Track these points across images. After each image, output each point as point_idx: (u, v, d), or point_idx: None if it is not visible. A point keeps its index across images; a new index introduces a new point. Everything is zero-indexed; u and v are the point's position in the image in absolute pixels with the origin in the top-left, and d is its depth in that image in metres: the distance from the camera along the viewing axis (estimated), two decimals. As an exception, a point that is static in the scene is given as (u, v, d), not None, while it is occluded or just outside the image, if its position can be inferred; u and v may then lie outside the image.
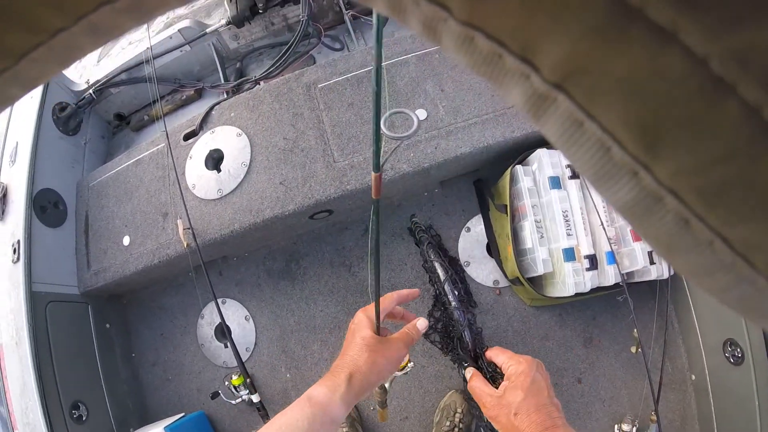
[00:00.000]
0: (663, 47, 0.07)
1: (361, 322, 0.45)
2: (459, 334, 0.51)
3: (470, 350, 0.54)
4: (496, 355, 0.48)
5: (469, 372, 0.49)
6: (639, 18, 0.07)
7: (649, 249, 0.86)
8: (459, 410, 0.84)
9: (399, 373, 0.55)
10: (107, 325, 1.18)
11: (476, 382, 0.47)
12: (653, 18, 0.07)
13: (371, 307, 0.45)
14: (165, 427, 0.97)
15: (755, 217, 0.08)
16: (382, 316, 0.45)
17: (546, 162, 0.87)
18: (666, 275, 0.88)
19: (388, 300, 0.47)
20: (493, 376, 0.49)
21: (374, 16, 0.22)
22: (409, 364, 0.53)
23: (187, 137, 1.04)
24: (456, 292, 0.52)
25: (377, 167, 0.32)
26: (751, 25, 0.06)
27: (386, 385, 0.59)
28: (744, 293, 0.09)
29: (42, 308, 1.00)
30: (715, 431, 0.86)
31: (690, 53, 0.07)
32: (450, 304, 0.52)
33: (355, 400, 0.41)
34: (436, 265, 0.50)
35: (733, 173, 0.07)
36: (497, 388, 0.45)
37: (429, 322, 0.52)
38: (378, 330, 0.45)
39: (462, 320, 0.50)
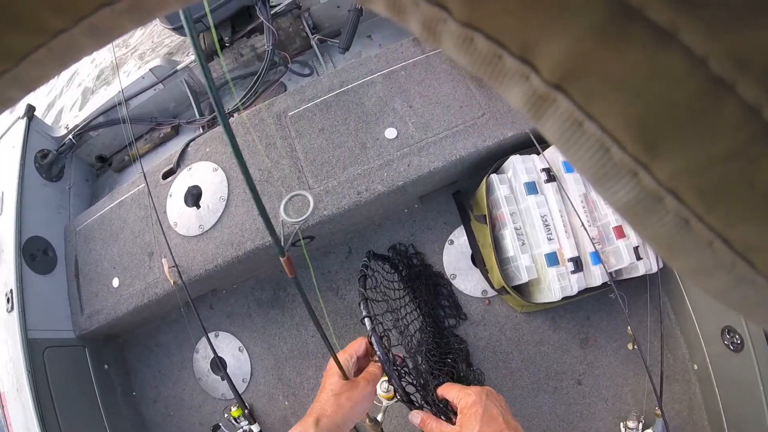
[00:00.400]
0: (662, 47, 0.07)
1: (330, 369, 0.48)
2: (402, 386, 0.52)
3: (417, 391, 0.54)
4: (446, 391, 0.48)
5: (417, 417, 0.48)
6: (639, 18, 0.07)
7: (635, 245, 0.86)
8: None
9: (389, 402, 0.55)
10: (106, 366, 1.18)
11: (430, 423, 0.46)
12: (653, 18, 0.06)
13: (342, 354, 0.48)
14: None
15: (755, 218, 0.07)
16: (352, 359, 0.48)
17: (520, 168, 0.87)
18: (655, 269, 0.87)
19: (356, 346, 0.50)
20: (446, 413, 0.48)
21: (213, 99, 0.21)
22: (396, 396, 0.53)
23: (165, 176, 1.05)
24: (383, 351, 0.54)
25: (282, 252, 0.34)
26: (751, 26, 0.06)
27: (378, 417, 0.59)
28: (744, 293, 0.09)
29: (39, 355, 1.01)
30: (723, 419, 0.85)
31: (689, 53, 0.07)
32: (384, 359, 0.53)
33: None
34: (366, 321, 0.52)
35: (733, 173, 0.07)
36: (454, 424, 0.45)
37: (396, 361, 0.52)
38: (345, 375, 0.47)
39: (387, 370, 0.50)
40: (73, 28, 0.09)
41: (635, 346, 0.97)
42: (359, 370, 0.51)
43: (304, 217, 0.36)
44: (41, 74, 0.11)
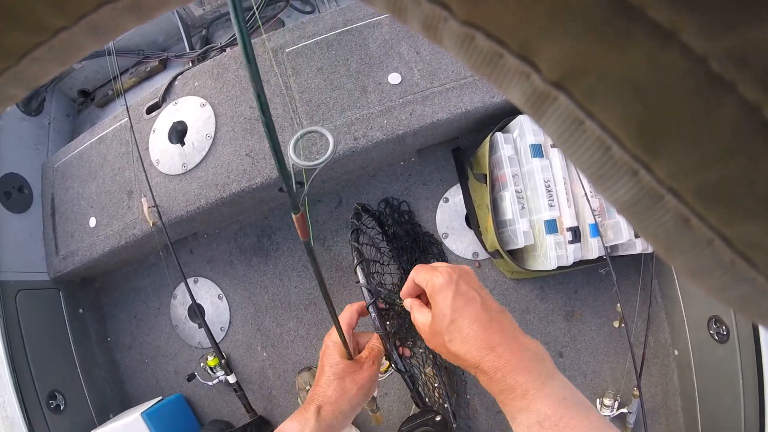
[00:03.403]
0: (663, 46, 0.07)
1: (328, 349, 0.42)
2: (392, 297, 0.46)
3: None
4: (416, 275, 0.37)
5: (407, 304, 0.40)
6: (639, 17, 0.07)
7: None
8: (436, 385, 0.82)
9: (383, 376, 0.51)
10: (80, 311, 1.15)
11: (414, 313, 0.38)
12: (653, 17, 0.07)
13: (335, 331, 0.41)
14: (143, 413, 0.95)
15: (755, 216, 0.07)
16: (346, 335, 0.41)
17: (528, 129, 0.82)
18: (651, 249, 0.85)
19: (347, 316, 0.43)
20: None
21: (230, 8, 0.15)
22: (390, 369, 0.49)
23: (149, 110, 0.98)
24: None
25: (295, 207, 0.25)
26: (751, 24, 0.06)
27: (375, 393, 0.56)
28: (743, 292, 0.09)
29: (12, 297, 0.97)
30: (697, 406, 0.86)
31: (689, 52, 0.07)
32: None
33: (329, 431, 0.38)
34: (364, 291, 0.46)
35: (733, 172, 0.07)
36: None
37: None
38: (349, 353, 0.41)
39: (389, 351, 0.45)
40: (73, 26, 0.09)
41: (622, 325, 0.97)
42: (356, 347, 0.44)
43: (323, 159, 0.26)
44: (42, 72, 0.11)
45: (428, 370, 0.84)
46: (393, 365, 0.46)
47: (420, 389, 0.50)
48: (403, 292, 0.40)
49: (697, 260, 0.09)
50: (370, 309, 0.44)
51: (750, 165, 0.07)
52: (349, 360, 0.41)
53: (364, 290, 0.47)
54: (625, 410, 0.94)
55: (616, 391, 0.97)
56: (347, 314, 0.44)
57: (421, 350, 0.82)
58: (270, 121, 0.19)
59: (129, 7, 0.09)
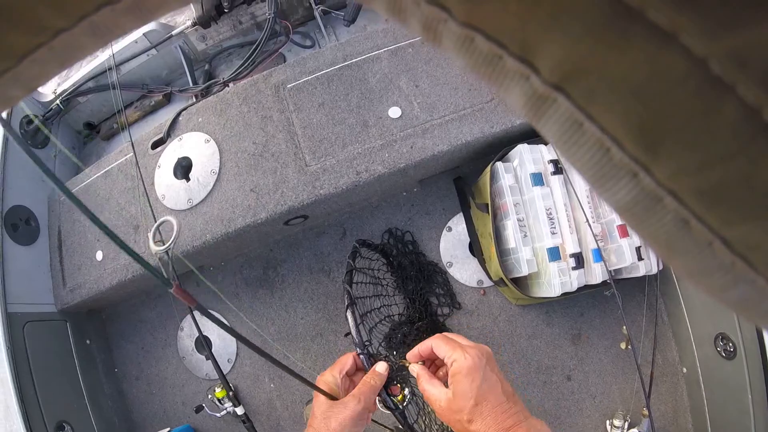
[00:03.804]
0: (662, 48, 0.07)
1: (318, 393, 0.44)
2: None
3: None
4: (437, 346, 0.41)
5: (414, 369, 0.42)
6: (638, 19, 0.07)
7: (637, 245, 0.84)
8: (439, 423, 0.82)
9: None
10: (88, 341, 1.15)
11: (424, 383, 0.41)
12: (653, 19, 0.07)
13: (328, 372, 0.44)
14: (152, 443, 0.95)
15: (755, 218, 0.07)
16: (341, 375, 0.44)
17: (527, 158, 0.83)
18: (655, 270, 0.85)
19: (343, 360, 0.46)
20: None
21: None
22: (406, 394, 0.49)
23: (154, 145, 1.00)
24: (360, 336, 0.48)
25: (167, 283, 0.27)
26: (750, 26, 0.06)
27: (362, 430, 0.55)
28: (743, 293, 0.09)
29: (19, 329, 0.97)
30: (708, 423, 0.85)
31: (689, 54, 0.07)
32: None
33: None
34: (353, 334, 0.47)
35: (733, 174, 0.07)
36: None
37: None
38: (329, 395, 0.43)
39: (384, 398, 0.45)
40: (73, 27, 0.09)
41: (629, 346, 0.97)
42: (353, 385, 0.46)
43: (168, 244, 0.30)
44: (42, 73, 0.11)
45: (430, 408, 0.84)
46: (382, 403, 0.47)
47: (415, 425, 0.50)
48: (412, 353, 0.42)
49: (697, 262, 0.09)
50: (361, 356, 0.46)
51: (750, 167, 0.07)
52: (334, 399, 0.43)
53: (354, 336, 0.48)
54: (635, 430, 0.93)
55: (625, 411, 0.96)
56: (343, 359, 0.46)
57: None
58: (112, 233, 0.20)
59: (129, 8, 0.09)
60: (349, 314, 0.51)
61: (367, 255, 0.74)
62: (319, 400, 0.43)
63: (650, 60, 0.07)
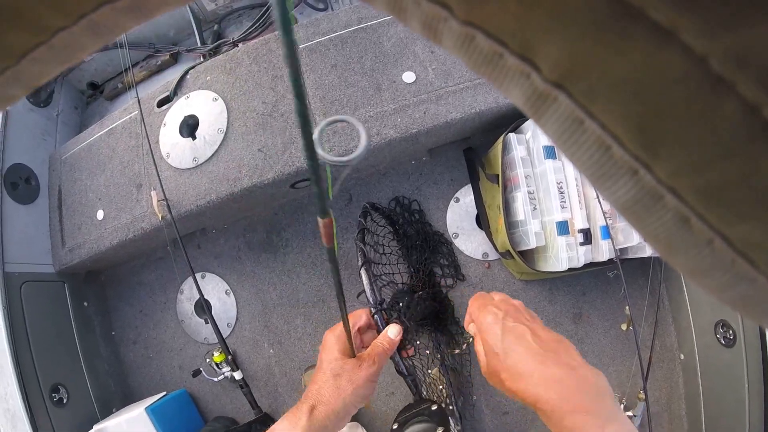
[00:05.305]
0: (663, 46, 0.07)
1: (327, 344, 0.40)
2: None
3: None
4: (470, 305, 0.38)
5: (471, 330, 0.38)
6: (639, 17, 0.07)
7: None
8: (441, 386, 0.82)
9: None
10: (85, 304, 1.14)
11: (477, 344, 0.37)
12: (653, 17, 0.06)
13: (339, 326, 0.40)
14: (146, 408, 0.95)
15: (755, 216, 0.07)
16: (353, 331, 0.40)
17: (540, 131, 0.82)
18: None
19: (356, 315, 0.42)
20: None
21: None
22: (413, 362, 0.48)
23: (160, 104, 0.98)
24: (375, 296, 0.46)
25: (323, 211, 0.22)
26: (751, 24, 0.06)
27: (371, 395, 0.54)
28: (744, 292, 0.09)
29: (16, 289, 0.96)
30: (702, 411, 0.86)
31: (689, 52, 0.06)
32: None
33: None
34: (368, 294, 0.44)
35: (733, 172, 0.07)
36: None
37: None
38: (352, 349, 0.39)
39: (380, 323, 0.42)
40: (73, 26, 0.09)
41: (630, 327, 0.97)
42: (362, 344, 0.43)
43: (356, 154, 0.21)
44: (42, 72, 0.10)
45: (434, 371, 0.84)
46: (395, 368, 0.45)
47: (423, 390, 0.49)
48: (466, 320, 0.40)
49: (697, 260, 0.09)
50: (375, 316, 0.43)
51: (750, 165, 0.07)
52: (350, 357, 0.39)
53: (368, 295, 0.46)
54: (630, 413, 0.94)
55: (621, 394, 0.97)
56: (356, 313, 0.43)
57: (428, 351, 0.82)
58: (305, 110, 0.17)
59: (129, 7, 0.09)
60: (363, 272, 0.50)
61: (376, 219, 0.73)
62: (331, 354, 0.39)
63: (650, 58, 0.07)
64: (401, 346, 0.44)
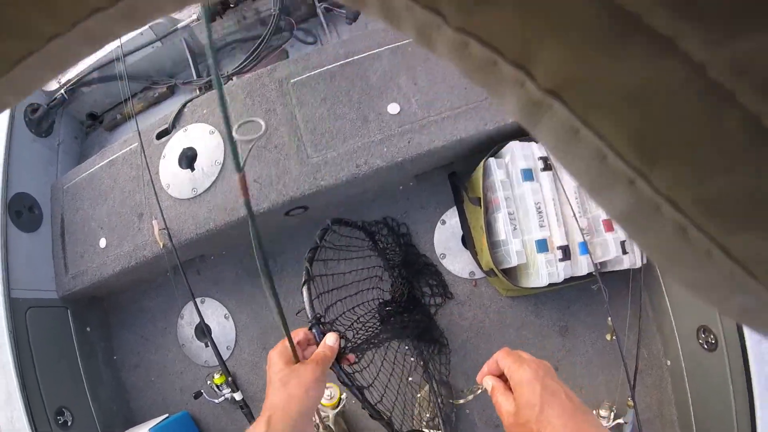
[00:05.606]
0: (662, 54, 0.06)
1: (271, 360, 0.42)
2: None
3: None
4: (501, 358, 0.40)
5: (489, 382, 0.40)
6: (637, 25, 0.06)
7: (622, 239, 0.88)
8: (430, 404, 0.85)
9: (333, 412, 0.51)
10: (88, 329, 1.17)
11: (498, 395, 0.39)
12: (652, 25, 0.06)
13: (279, 344, 0.42)
14: (150, 429, 0.97)
15: (755, 226, 0.07)
16: (295, 342, 0.42)
17: (518, 154, 0.87)
18: (639, 264, 0.89)
19: (295, 334, 0.44)
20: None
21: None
22: (342, 398, 0.49)
23: (159, 136, 1.03)
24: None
25: (238, 167, 0.30)
26: (751, 33, 0.06)
27: (330, 424, 0.55)
28: (743, 302, 0.09)
29: (22, 314, 0.99)
30: (692, 414, 0.87)
31: (689, 60, 0.06)
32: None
33: None
34: (307, 310, 0.44)
35: (733, 182, 0.07)
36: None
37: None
38: (296, 357, 0.41)
39: (337, 372, 0.43)
40: (66, 33, 0.09)
41: (613, 337, 1.01)
42: (303, 359, 0.44)
43: (258, 135, 0.32)
44: (36, 79, 0.11)
45: (422, 392, 0.87)
46: (337, 378, 0.46)
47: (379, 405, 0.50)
48: (482, 373, 0.42)
49: (695, 271, 0.09)
50: (312, 329, 0.45)
51: (749, 175, 0.07)
52: (293, 364, 0.41)
53: (307, 311, 0.47)
54: (621, 420, 0.97)
55: (611, 402, 0.99)
56: (295, 331, 0.44)
57: (412, 359, 0.84)
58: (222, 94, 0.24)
59: (122, 14, 0.09)
60: (304, 290, 0.50)
61: (348, 234, 0.76)
62: (276, 366, 0.41)
63: (649, 66, 0.07)
64: (341, 355, 0.46)
